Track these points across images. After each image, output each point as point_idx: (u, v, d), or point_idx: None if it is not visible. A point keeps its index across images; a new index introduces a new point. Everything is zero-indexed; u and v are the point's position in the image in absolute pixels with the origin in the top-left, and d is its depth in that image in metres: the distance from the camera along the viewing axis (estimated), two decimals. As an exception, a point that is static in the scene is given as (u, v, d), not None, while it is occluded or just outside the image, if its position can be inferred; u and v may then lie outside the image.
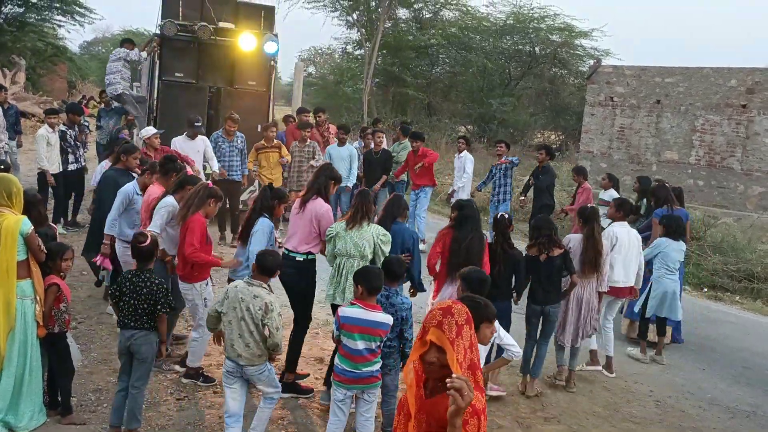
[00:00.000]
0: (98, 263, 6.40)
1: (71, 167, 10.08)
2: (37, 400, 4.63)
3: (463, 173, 10.54)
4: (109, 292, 4.86)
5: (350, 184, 10.10)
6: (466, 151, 10.71)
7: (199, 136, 9.05)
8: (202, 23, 10.35)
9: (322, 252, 5.50)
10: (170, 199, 5.56)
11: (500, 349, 4.86)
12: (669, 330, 7.42)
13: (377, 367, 4.37)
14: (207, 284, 5.47)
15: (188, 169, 6.87)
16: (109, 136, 11.68)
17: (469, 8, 27.14)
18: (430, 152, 10.31)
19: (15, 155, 11.49)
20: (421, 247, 8.93)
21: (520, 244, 6.04)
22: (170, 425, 4.84)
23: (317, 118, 11.81)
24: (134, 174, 6.74)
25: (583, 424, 5.54)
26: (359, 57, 28.37)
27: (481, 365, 2.50)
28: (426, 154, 10.16)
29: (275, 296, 4.46)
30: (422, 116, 25.75)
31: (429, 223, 11.74)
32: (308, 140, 10.20)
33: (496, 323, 3.59)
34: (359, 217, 5.21)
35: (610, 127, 17.16)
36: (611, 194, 8.88)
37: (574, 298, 6.04)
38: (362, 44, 26.85)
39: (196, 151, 8.82)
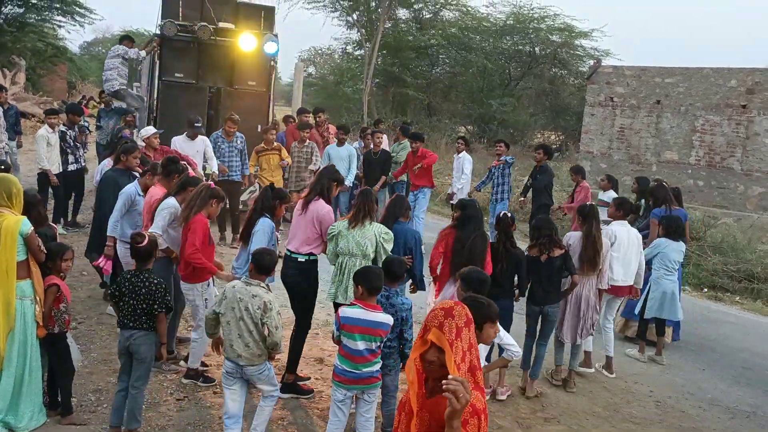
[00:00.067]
0: (101, 265, 6.39)
1: (71, 167, 10.08)
2: (36, 400, 4.63)
3: (461, 174, 10.55)
4: (109, 292, 4.85)
5: (349, 184, 10.09)
6: (464, 151, 10.72)
7: (199, 137, 9.05)
8: (202, 23, 10.35)
9: (324, 252, 5.50)
10: (172, 201, 5.56)
11: (501, 349, 4.86)
12: (669, 331, 7.43)
13: (377, 367, 4.37)
14: (209, 285, 5.47)
15: (190, 170, 6.86)
16: (109, 136, 11.68)
17: (469, 8, 27.19)
18: (429, 153, 10.30)
19: (15, 155, 11.49)
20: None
21: (521, 244, 6.03)
22: (170, 425, 4.84)
23: (317, 119, 11.81)
24: (135, 173, 6.74)
25: (583, 424, 5.54)
26: (359, 57, 28.39)
27: (482, 365, 2.50)
28: (425, 155, 10.16)
29: (274, 295, 4.46)
30: (422, 116, 25.76)
31: (429, 224, 11.74)
32: (307, 141, 10.20)
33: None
34: (361, 216, 5.22)
35: (610, 128, 17.16)
36: (610, 195, 8.87)
37: (573, 295, 6.05)
38: (362, 44, 26.86)
39: (196, 151, 8.82)
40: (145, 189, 6.17)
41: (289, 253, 5.49)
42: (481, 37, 26.52)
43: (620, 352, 7.08)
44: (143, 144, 8.12)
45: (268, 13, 11.50)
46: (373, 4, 26.40)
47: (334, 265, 5.37)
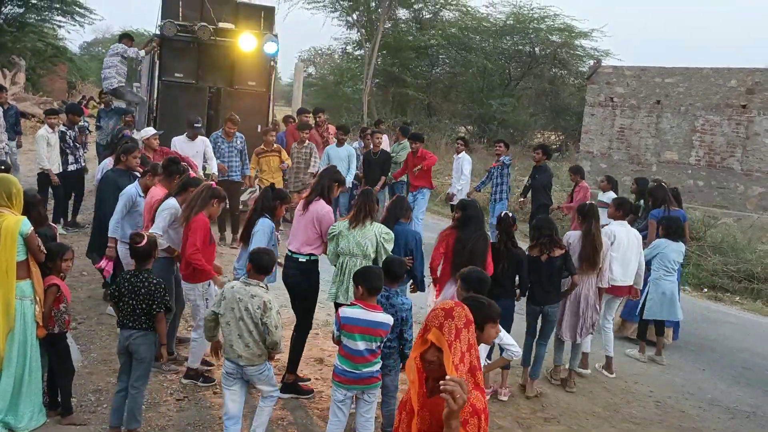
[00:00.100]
0: (103, 267, 6.38)
1: (71, 168, 10.08)
2: (36, 400, 4.63)
3: (460, 175, 10.55)
4: (109, 292, 4.85)
5: (348, 185, 10.09)
6: (464, 152, 10.72)
7: (199, 137, 9.04)
8: (202, 24, 10.35)
9: (324, 253, 5.50)
10: (172, 201, 5.57)
11: (501, 349, 4.86)
12: (669, 331, 7.43)
13: (377, 367, 4.37)
14: (209, 285, 5.47)
15: (191, 171, 6.87)
16: (109, 137, 11.68)
17: (469, 9, 27.19)
18: (429, 155, 10.30)
19: (15, 156, 11.49)
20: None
21: (521, 244, 6.03)
22: (170, 426, 4.84)
23: (317, 119, 11.82)
24: (136, 173, 6.74)
25: (583, 424, 5.54)
26: (359, 57, 28.39)
27: (482, 365, 2.50)
28: (425, 156, 10.16)
29: (273, 295, 4.46)
30: (422, 117, 25.77)
31: (429, 224, 11.74)
32: (306, 142, 10.19)
33: (496, 323, 3.59)
34: (362, 216, 5.23)
35: (610, 128, 17.16)
36: (610, 196, 8.84)
37: (573, 294, 6.06)
38: (362, 45, 26.86)
39: (196, 151, 8.81)
40: (146, 190, 6.17)
41: (290, 254, 5.50)
42: (481, 37, 26.52)
43: (620, 352, 7.08)
44: (143, 144, 8.11)
45: (268, 13, 11.51)
46: (373, 4, 26.41)
47: (335, 265, 5.37)
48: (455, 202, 9.53)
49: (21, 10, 26.58)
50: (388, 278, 4.55)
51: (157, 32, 10.64)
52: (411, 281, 5.72)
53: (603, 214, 7.09)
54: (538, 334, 6.01)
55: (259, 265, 4.32)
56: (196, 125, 8.99)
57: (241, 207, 10.03)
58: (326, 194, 5.55)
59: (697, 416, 5.92)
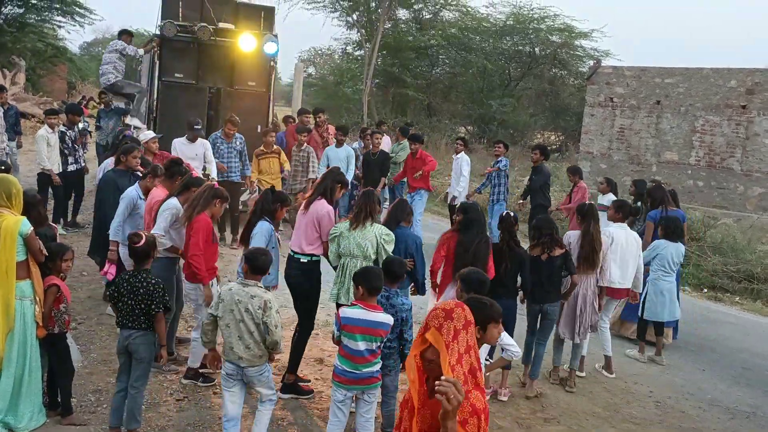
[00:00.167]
0: (106, 271, 6.37)
1: (71, 168, 10.07)
2: (36, 400, 4.63)
3: (460, 176, 10.54)
4: (108, 292, 4.85)
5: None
6: (463, 152, 10.72)
7: (199, 139, 9.02)
8: (202, 24, 10.35)
9: (325, 253, 5.49)
10: (174, 201, 5.57)
11: (501, 349, 4.87)
12: (669, 331, 7.43)
13: (377, 367, 4.37)
14: (212, 285, 5.47)
15: (195, 171, 6.87)
16: (109, 137, 11.68)
17: (469, 9, 27.21)
18: (428, 158, 10.28)
19: (15, 156, 11.49)
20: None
21: (521, 244, 6.03)
22: (170, 426, 4.84)
23: (317, 119, 11.82)
24: (137, 173, 6.74)
25: (583, 424, 5.54)
26: (359, 58, 28.40)
27: (482, 365, 2.51)
28: (425, 159, 10.16)
29: (273, 295, 4.45)
30: (422, 117, 25.77)
31: (429, 225, 11.76)
32: (304, 145, 10.19)
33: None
34: (362, 217, 5.23)
35: (609, 128, 17.16)
36: (610, 198, 8.84)
37: (572, 292, 6.06)
38: (362, 45, 26.87)
39: (195, 154, 8.80)
40: (146, 192, 6.17)
41: (292, 254, 5.51)
42: (481, 38, 26.53)
43: (620, 352, 7.08)
44: (143, 147, 8.09)
45: (268, 13, 11.50)
46: (373, 4, 26.41)
47: (336, 267, 5.37)
48: (457, 203, 9.53)
49: (21, 11, 26.59)
50: (388, 278, 4.55)
51: (157, 32, 10.63)
52: (412, 285, 5.72)
53: (602, 218, 7.07)
54: (537, 336, 6.01)
55: (255, 266, 4.31)
56: (196, 127, 8.98)
57: (241, 207, 10.03)
58: (328, 195, 5.55)
59: (697, 416, 5.92)
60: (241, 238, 5.79)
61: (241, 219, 9.99)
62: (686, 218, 8.22)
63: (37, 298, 4.54)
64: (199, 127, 9.14)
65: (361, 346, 4.24)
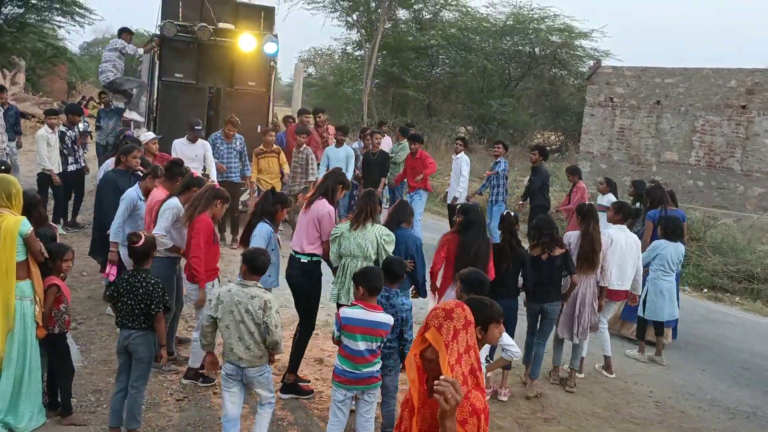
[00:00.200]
0: (108, 272, 6.37)
1: (71, 168, 10.07)
2: (36, 400, 4.63)
3: (460, 177, 10.52)
4: (108, 293, 4.85)
5: (346, 186, 10.10)
6: (462, 153, 10.70)
7: (200, 140, 9.02)
8: (202, 24, 10.35)
9: (325, 253, 5.49)
10: (175, 201, 5.57)
11: (502, 349, 4.87)
12: (668, 331, 7.43)
13: (377, 367, 4.37)
14: (213, 285, 5.47)
15: (195, 172, 6.87)
16: (109, 137, 11.68)
17: (469, 9, 27.20)
18: (428, 160, 10.28)
19: (15, 156, 11.49)
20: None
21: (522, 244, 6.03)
22: (170, 426, 4.84)
23: (317, 119, 11.82)
24: (137, 173, 6.74)
25: (583, 425, 5.54)
26: (359, 58, 28.40)
27: (482, 365, 2.51)
28: (424, 160, 10.17)
29: (272, 295, 4.45)
30: (422, 117, 25.77)
31: (428, 224, 11.76)
32: (303, 146, 10.19)
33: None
34: (363, 217, 5.24)
35: (610, 128, 17.17)
36: (609, 199, 8.85)
37: (571, 293, 6.06)
38: (362, 45, 26.87)
39: (195, 155, 8.80)
40: (146, 192, 6.17)
41: (293, 254, 5.52)
42: (480, 38, 26.53)
43: (620, 352, 7.09)
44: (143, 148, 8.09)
45: (268, 13, 11.50)
46: (373, 4, 26.41)
47: (337, 267, 5.38)
48: (458, 204, 9.53)
49: (21, 11, 26.59)
50: (388, 278, 4.55)
51: (157, 32, 10.63)
52: (412, 287, 5.72)
53: (602, 218, 7.07)
54: (536, 335, 6.01)
55: (254, 266, 4.31)
56: (196, 128, 8.98)
57: (241, 208, 10.03)
58: (330, 195, 5.55)
59: (697, 416, 5.92)
60: (241, 239, 5.79)
61: (241, 219, 10.01)
62: (686, 218, 8.22)
63: (37, 298, 4.54)
64: (200, 127, 9.14)
65: (362, 346, 4.24)
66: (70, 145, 10.03)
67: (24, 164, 12.70)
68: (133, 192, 6.23)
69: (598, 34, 25.64)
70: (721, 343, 7.94)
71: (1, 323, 4.40)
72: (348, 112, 25.79)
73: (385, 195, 10.81)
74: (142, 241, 4.57)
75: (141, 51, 11.31)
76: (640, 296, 6.86)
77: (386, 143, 11.62)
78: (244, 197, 10.30)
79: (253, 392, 4.56)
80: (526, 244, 6.12)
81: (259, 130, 10.43)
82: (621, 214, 6.65)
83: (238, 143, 9.64)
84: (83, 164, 10.50)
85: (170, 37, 10.25)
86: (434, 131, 22.78)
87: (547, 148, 14.32)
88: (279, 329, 4.25)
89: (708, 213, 12.98)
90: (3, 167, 7.25)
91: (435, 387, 2.09)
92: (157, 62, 10.67)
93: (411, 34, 26.62)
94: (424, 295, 5.77)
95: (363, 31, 26.81)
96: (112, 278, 6.12)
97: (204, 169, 8.91)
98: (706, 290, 10.25)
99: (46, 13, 27.38)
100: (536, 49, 26.41)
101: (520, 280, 5.76)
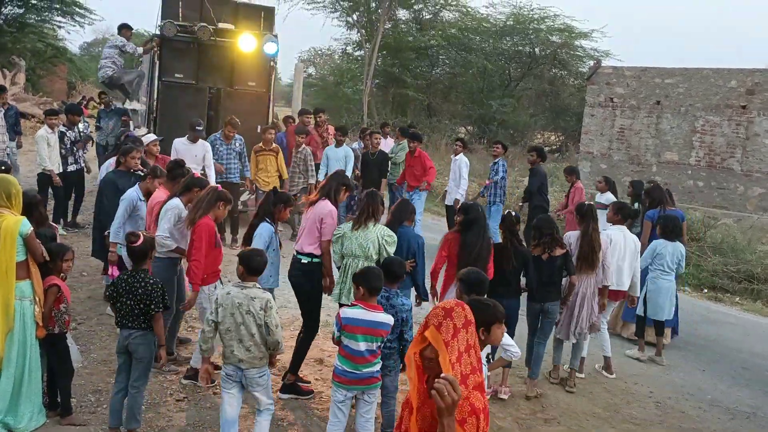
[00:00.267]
0: (109, 274, 6.36)
1: (71, 168, 10.07)
2: (36, 400, 4.63)
3: (459, 179, 10.51)
4: (107, 293, 4.85)
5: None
6: (462, 154, 10.68)
7: (200, 141, 9.02)
8: (202, 24, 10.35)
9: (323, 252, 5.48)
10: (176, 201, 5.57)
11: (503, 349, 4.86)
12: (668, 332, 7.43)
13: (377, 368, 4.37)
14: (216, 287, 5.47)
15: (195, 173, 6.87)
16: (108, 137, 11.67)
17: (469, 9, 27.22)
18: (428, 162, 10.26)
19: (15, 156, 11.48)
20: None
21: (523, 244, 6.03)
22: (170, 426, 4.83)
23: (317, 119, 11.82)
24: (138, 173, 6.74)
25: (584, 425, 5.54)
26: (359, 58, 28.41)
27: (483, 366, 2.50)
28: (424, 162, 10.16)
29: (270, 295, 4.44)
30: (422, 117, 25.78)
31: (429, 224, 11.75)
32: (302, 146, 10.20)
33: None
34: (364, 218, 5.25)
35: (610, 128, 17.17)
36: (608, 197, 8.88)
37: (571, 294, 6.06)
38: (362, 45, 26.88)
39: (194, 155, 8.80)
40: (146, 193, 6.17)
41: (295, 254, 5.53)
42: (481, 38, 26.53)
43: (620, 353, 7.08)
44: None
45: (268, 13, 11.50)
46: (373, 4, 26.42)
47: (340, 266, 5.39)
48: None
49: (21, 11, 26.59)
50: (388, 279, 4.54)
51: (157, 33, 10.63)
52: (416, 295, 5.71)
53: (600, 216, 7.08)
54: (537, 335, 6.00)
55: (251, 266, 4.30)
56: (198, 128, 8.98)
57: (240, 208, 10.02)
58: (333, 197, 5.56)
59: (697, 417, 5.92)
60: (244, 239, 5.79)
61: (240, 219, 10.01)
62: (685, 218, 8.22)
63: (37, 299, 4.53)
64: (201, 128, 9.14)
65: (362, 346, 4.24)
66: (69, 146, 10.03)
67: (24, 164, 12.70)
68: (133, 192, 6.23)
69: (598, 34, 25.70)
70: (721, 343, 7.93)
71: (1, 323, 4.40)
72: (348, 112, 25.79)
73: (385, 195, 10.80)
74: (140, 241, 4.56)
75: (140, 50, 11.30)
76: (639, 296, 6.86)
77: (388, 145, 11.61)
78: (243, 197, 10.29)
79: (251, 398, 4.52)
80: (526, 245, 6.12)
81: (259, 130, 10.43)
82: (621, 215, 6.65)
83: (237, 144, 9.64)
84: (83, 164, 10.50)
85: (170, 37, 10.25)
86: (434, 131, 22.79)
87: (547, 148, 14.33)
88: (279, 329, 4.25)
89: (708, 213, 12.99)
90: (3, 167, 7.25)
91: (434, 385, 2.08)
92: (157, 62, 10.67)
93: (411, 35, 26.62)
94: (426, 299, 5.77)
95: (363, 31, 26.81)
96: (112, 276, 6.14)
97: (203, 169, 8.91)
98: (706, 290, 10.25)
99: (46, 13, 27.39)
100: (536, 50, 26.42)
101: (523, 279, 5.76)
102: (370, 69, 23.85)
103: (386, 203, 8.57)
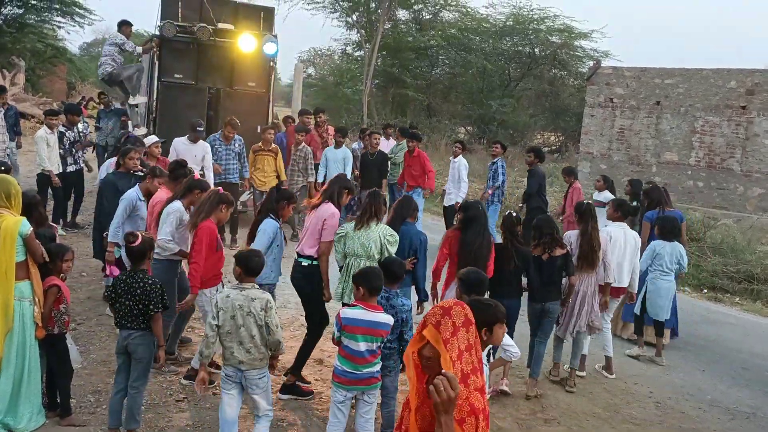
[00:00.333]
0: (108, 273, 6.36)
1: (70, 168, 10.06)
2: (35, 401, 4.62)
3: (459, 181, 10.48)
4: (106, 293, 4.85)
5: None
6: (461, 156, 10.66)
7: (200, 141, 9.02)
8: (202, 24, 10.34)
9: (321, 252, 5.48)
10: (177, 204, 5.56)
11: (503, 350, 4.87)
12: (668, 332, 7.43)
13: (377, 368, 4.37)
14: (217, 290, 5.46)
15: (196, 173, 6.87)
16: (111, 137, 11.66)
17: (469, 9, 27.24)
18: (427, 164, 10.26)
19: (15, 156, 11.47)
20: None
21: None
22: (170, 426, 4.83)
23: (317, 119, 11.82)
24: (138, 174, 6.73)
25: (584, 425, 5.53)
26: (359, 58, 28.42)
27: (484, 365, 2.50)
28: (423, 162, 10.16)
29: (270, 295, 4.44)
30: (422, 117, 25.78)
31: (429, 224, 11.75)
32: (302, 144, 10.20)
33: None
34: (366, 217, 5.26)
35: (609, 129, 17.17)
36: (606, 196, 8.89)
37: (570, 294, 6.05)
38: (362, 45, 26.89)
39: (194, 155, 8.80)
40: (146, 193, 6.17)
41: (296, 256, 5.54)
42: (480, 38, 26.55)
43: (620, 353, 7.08)
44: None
45: (268, 13, 11.50)
46: (373, 5, 26.43)
47: (342, 266, 5.39)
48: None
49: (21, 11, 26.59)
50: (388, 279, 4.54)
51: (157, 33, 10.63)
52: (418, 300, 5.71)
53: (599, 214, 7.08)
54: (537, 334, 6.00)
55: (248, 267, 4.29)
56: (198, 129, 8.98)
57: (240, 208, 10.02)
58: (335, 200, 5.57)
59: (697, 417, 5.92)
60: (248, 236, 5.79)
61: (239, 219, 10.01)
62: (684, 218, 8.22)
63: (36, 299, 4.53)
64: (202, 129, 9.14)
65: (362, 346, 4.24)
66: (67, 146, 10.01)
67: (24, 165, 12.69)
68: (132, 193, 6.23)
69: (597, 34, 25.71)
70: (721, 343, 7.93)
71: (0, 324, 4.39)
72: (348, 112, 25.81)
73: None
74: (138, 241, 4.56)
75: (140, 49, 11.29)
76: (638, 295, 6.86)
77: (390, 146, 11.60)
78: (243, 197, 10.29)
79: (250, 402, 4.49)
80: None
81: (258, 130, 10.43)
82: (620, 212, 6.66)
83: (236, 145, 9.63)
84: (82, 164, 10.49)
85: (170, 38, 10.24)
86: (434, 132, 22.80)
87: (546, 149, 14.33)
88: (280, 329, 4.25)
89: (708, 213, 12.98)
90: (3, 167, 7.24)
91: (434, 382, 2.08)
92: (157, 63, 10.67)
93: (411, 35, 26.64)
94: (427, 299, 5.76)
95: (363, 31, 26.82)
96: (113, 276, 6.15)
97: (202, 170, 8.91)
98: (706, 291, 10.25)
99: (46, 13, 27.37)
100: (536, 50, 26.44)
101: (524, 279, 5.76)
102: (369, 69, 23.86)
103: (387, 203, 8.59)
